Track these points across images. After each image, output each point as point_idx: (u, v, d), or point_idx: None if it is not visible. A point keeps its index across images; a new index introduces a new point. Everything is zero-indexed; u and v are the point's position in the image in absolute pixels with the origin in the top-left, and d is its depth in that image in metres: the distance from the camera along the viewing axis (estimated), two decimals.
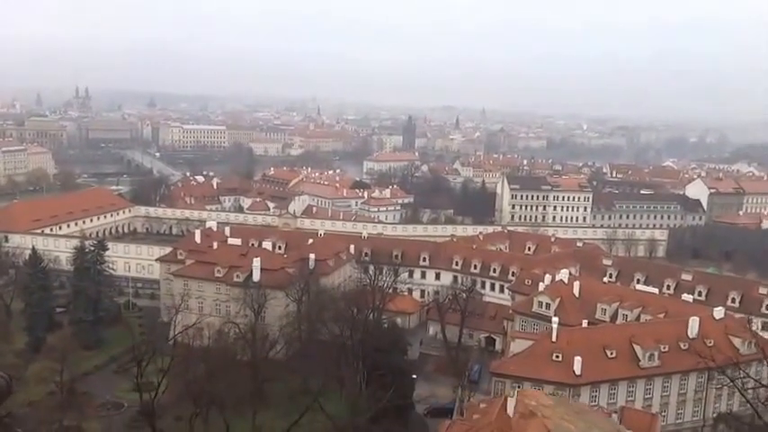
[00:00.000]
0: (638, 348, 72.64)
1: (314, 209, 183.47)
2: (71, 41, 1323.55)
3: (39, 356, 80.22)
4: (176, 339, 74.65)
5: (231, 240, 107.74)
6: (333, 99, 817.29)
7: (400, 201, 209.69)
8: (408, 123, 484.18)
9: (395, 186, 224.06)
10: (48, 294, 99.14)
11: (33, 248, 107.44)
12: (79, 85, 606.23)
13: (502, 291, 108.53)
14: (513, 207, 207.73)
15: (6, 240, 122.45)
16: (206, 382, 61.81)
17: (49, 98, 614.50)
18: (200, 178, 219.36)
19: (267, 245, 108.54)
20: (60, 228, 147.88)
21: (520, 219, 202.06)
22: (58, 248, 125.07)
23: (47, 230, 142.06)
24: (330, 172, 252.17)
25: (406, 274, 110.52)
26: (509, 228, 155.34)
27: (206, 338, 75.98)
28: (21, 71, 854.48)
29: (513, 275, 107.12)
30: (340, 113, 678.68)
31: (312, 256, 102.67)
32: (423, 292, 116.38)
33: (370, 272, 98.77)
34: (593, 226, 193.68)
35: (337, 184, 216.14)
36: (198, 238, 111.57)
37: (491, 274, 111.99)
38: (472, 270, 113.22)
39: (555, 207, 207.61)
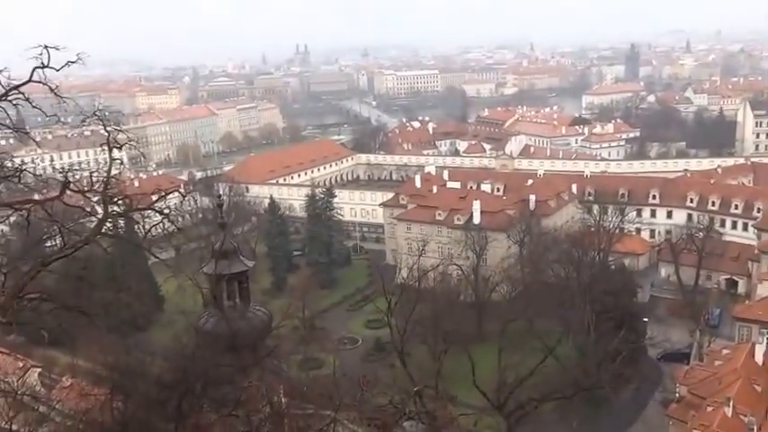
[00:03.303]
0: None
1: (531, 149, 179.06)
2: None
3: (282, 294, 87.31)
4: (402, 281, 77.13)
5: (450, 184, 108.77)
6: (546, 33, 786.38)
7: (625, 135, 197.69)
8: (631, 52, 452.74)
9: (618, 120, 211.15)
10: (286, 239, 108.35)
11: (271, 197, 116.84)
12: (298, 42, 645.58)
13: (745, 229, 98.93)
14: (758, 136, 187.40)
15: (247, 191, 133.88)
16: (439, 322, 63.55)
17: (272, 57, 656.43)
18: (415, 124, 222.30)
19: (486, 187, 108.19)
20: (292, 177, 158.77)
21: (766, 148, 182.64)
22: (292, 197, 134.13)
23: (280, 180, 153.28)
24: (546, 109, 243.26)
25: (634, 213, 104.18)
26: (753, 159, 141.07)
27: (431, 280, 77.48)
28: (247, 34, 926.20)
29: (758, 212, 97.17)
30: (554, 48, 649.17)
31: (532, 197, 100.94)
32: (652, 231, 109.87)
33: (595, 212, 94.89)
34: None
35: (555, 122, 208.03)
36: (418, 183, 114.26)
37: (732, 210, 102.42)
38: (710, 207, 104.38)
39: None
